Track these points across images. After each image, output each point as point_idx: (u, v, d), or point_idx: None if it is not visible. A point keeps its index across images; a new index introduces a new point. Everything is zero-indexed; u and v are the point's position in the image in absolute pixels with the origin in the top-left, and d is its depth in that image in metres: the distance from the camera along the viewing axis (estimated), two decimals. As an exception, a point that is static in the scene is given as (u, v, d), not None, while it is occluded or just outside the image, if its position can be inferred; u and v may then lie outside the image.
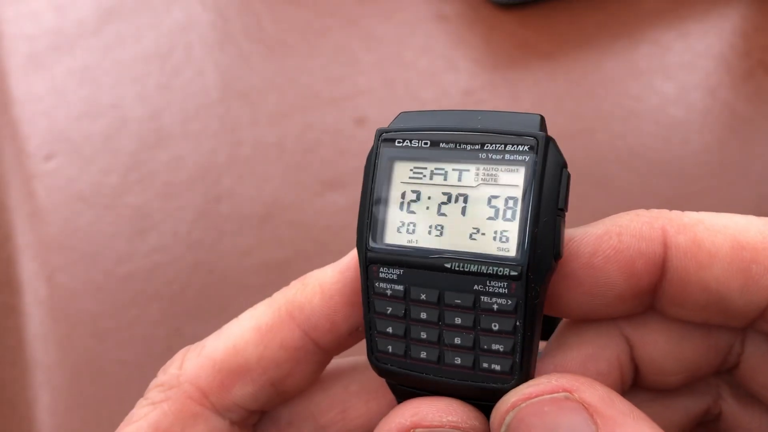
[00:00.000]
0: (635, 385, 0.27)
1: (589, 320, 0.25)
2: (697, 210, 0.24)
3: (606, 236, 0.23)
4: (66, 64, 0.60)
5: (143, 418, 0.25)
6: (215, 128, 0.56)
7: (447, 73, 0.59)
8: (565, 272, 0.23)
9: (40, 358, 0.45)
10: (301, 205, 0.51)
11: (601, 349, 0.25)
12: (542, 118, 0.23)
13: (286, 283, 0.27)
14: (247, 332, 0.26)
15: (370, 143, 0.25)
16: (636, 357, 0.26)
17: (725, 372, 0.27)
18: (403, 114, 0.25)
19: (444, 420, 0.23)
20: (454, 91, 0.58)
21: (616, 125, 0.55)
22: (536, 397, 0.22)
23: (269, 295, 0.27)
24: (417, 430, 0.23)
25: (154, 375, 0.27)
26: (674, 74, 0.58)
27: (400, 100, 0.57)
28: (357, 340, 0.26)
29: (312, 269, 0.27)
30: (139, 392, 0.26)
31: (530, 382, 0.22)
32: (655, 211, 0.24)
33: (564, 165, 0.23)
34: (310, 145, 0.55)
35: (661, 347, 0.25)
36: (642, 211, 0.24)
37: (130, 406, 0.26)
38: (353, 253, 0.25)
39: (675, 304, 0.24)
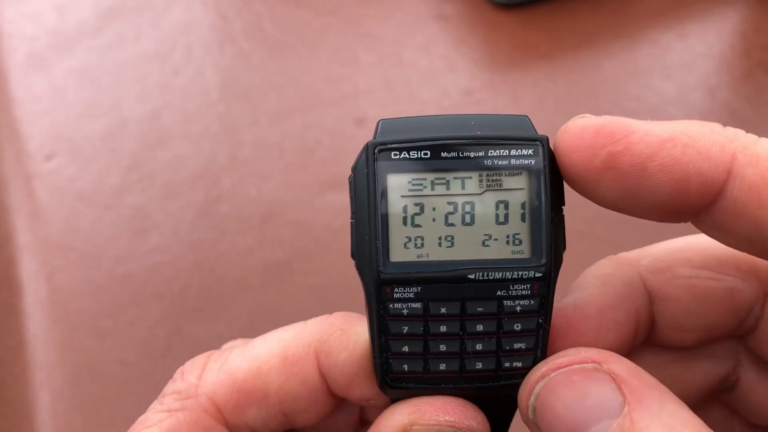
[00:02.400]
0: (649, 342, 0.26)
1: (618, 210, 0.23)
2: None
3: (670, 143, 0.21)
4: (66, 64, 0.60)
5: (157, 424, 0.25)
6: (215, 128, 0.56)
7: (447, 73, 0.59)
8: (613, 163, 0.22)
9: (40, 358, 0.45)
10: (301, 205, 0.51)
11: (622, 299, 0.25)
12: (529, 119, 0.24)
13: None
14: (273, 358, 0.25)
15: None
16: (655, 311, 0.25)
17: (742, 335, 0.26)
18: (384, 122, 0.24)
19: (441, 419, 0.23)
20: (454, 91, 0.58)
21: (616, 125, 0.55)
22: (566, 367, 0.22)
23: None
24: (414, 427, 0.23)
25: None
26: (674, 74, 0.59)
27: (400, 100, 0.57)
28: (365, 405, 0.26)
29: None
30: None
31: (559, 354, 0.22)
32: (730, 131, 0.22)
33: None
34: (310, 145, 0.55)
35: (683, 303, 0.25)
36: (717, 126, 0.22)
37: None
38: None
39: (718, 230, 0.23)
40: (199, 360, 0.26)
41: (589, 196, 0.23)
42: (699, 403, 0.28)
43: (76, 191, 0.52)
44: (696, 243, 0.26)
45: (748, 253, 0.23)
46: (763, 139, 0.22)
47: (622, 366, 0.21)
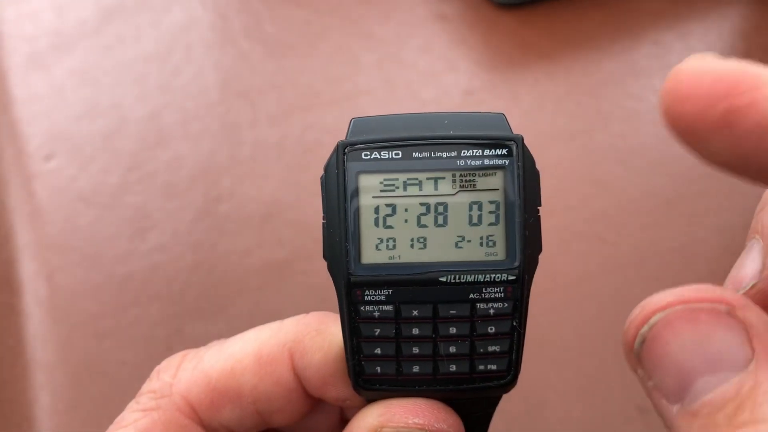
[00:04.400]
0: None
1: (729, 172, 0.19)
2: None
3: None
4: (66, 64, 0.60)
5: (132, 424, 0.25)
6: (215, 128, 0.56)
7: (447, 73, 0.59)
8: (733, 120, 0.18)
9: (40, 358, 0.45)
10: (301, 205, 0.51)
11: None
12: (505, 117, 0.23)
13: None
14: (247, 357, 0.25)
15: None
16: None
17: None
18: (357, 120, 0.24)
19: (410, 421, 0.23)
20: (454, 91, 0.58)
21: (616, 125, 0.55)
22: (695, 302, 0.19)
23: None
24: (384, 429, 0.23)
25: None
26: (674, 74, 0.58)
27: (400, 100, 0.57)
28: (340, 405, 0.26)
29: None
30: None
31: (689, 287, 0.19)
32: None
33: (534, 163, 0.23)
34: (310, 145, 0.55)
35: None
36: None
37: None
38: None
39: None
40: (175, 359, 0.26)
41: (698, 153, 0.20)
42: None
43: (76, 191, 0.52)
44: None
45: None
46: None
47: (760, 317, 0.18)
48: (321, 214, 0.24)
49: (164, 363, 0.26)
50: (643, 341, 0.19)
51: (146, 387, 0.26)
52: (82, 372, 0.45)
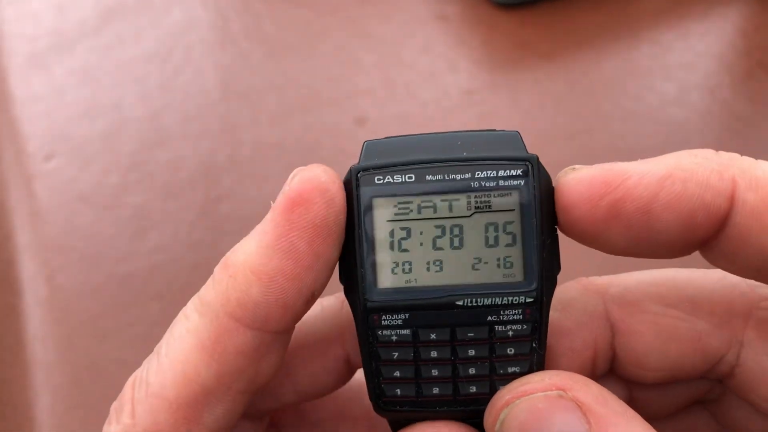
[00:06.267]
0: (612, 373, 0.26)
1: (629, 255, 0.23)
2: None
3: (669, 181, 0.21)
4: (66, 64, 0.60)
5: None
6: (215, 128, 0.56)
7: (447, 73, 0.59)
8: (616, 212, 0.21)
9: (40, 358, 0.45)
10: (301, 205, 0.51)
11: (580, 327, 0.24)
12: (520, 135, 0.23)
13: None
14: (192, 354, 0.22)
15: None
16: (616, 345, 0.25)
17: (717, 378, 0.26)
18: (369, 143, 0.23)
19: None
20: (455, 92, 0.58)
21: (616, 125, 0.55)
22: (530, 394, 0.21)
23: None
24: None
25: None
26: (674, 74, 0.58)
27: (400, 100, 0.57)
28: (312, 303, 0.23)
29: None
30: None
31: (523, 379, 0.22)
32: (725, 156, 0.21)
33: (550, 181, 0.23)
34: (310, 145, 0.55)
35: (646, 340, 0.24)
36: (709, 153, 0.22)
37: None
38: (269, 218, 0.22)
39: (725, 258, 0.22)
40: (126, 394, 0.24)
41: (598, 247, 0.23)
42: (677, 413, 0.27)
43: (76, 191, 0.52)
44: (670, 279, 0.25)
45: (758, 281, 0.23)
46: (761, 162, 0.22)
47: (588, 393, 0.21)
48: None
49: (116, 403, 0.24)
50: None
51: None
52: (82, 372, 0.45)
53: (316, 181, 0.23)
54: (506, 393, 0.22)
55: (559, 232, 0.23)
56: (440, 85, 0.58)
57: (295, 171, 0.23)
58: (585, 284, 0.25)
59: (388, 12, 0.63)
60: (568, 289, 0.25)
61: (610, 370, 0.26)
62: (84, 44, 0.61)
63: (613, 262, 0.25)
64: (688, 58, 0.59)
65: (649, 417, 0.21)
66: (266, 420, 0.28)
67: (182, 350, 0.23)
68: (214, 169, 0.53)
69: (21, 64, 0.60)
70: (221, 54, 0.61)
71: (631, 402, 0.25)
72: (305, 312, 0.23)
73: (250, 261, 0.22)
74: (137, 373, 0.24)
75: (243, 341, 0.22)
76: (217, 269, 0.24)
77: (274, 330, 0.23)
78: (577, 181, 0.22)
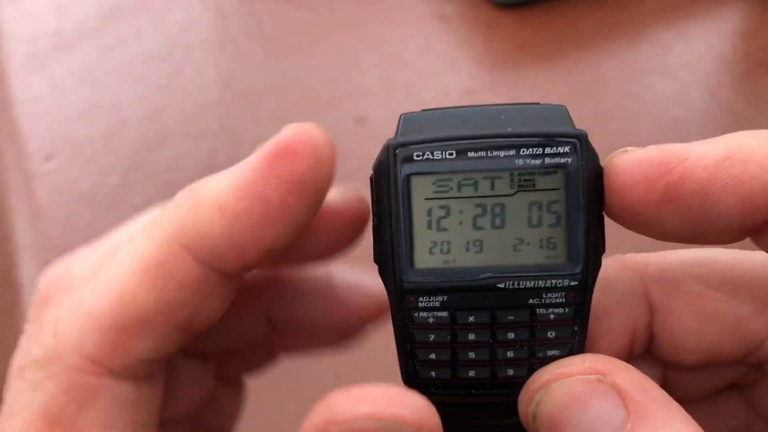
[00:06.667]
0: (648, 354, 0.25)
1: (685, 242, 0.22)
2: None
3: (728, 162, 0.20)
4: (66, 65, 0.60)
5: (25, 407, 0.21)
6: (215, 128, 0.56)
7: (447, 73, 0.59)
8: (673, 195, 0.20)
9: (40, 358, 0.45)
10: (301, 205, 0.51)
11: (619, 307, 0.23)
12: (566, 109, 0.22)
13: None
14: (132, 277, 0.21)
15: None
16: (654, 326, 0.24)
17: (756, 364, 0.24)
18: (406, 116, 0.22)
19: (356, 410, 0.19)
20: (455, 91, 0.58)
21: (616, 125, 0.55)
22: (568, 377, 0.20)
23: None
24: (331, 427, 0.19)
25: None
26: (674, 74, 0.58)
27: (400, 100, 0.57)
28: (265, 261, 0.22)
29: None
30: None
31: (562, 361, 0.21)
32: None
33: (598, 159, 0.21)
34: (310, 145, 0.55)
35: (684, 322, 0.23)
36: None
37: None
38: (252, 159, 0.21)
39: None
40: (46, 312, 0.22)
41: (652, 232, 0.21)
42: (712, 396, 0.26)
43: (76, 191, 0.52)
44: (712, 260, 0.24)
45: None
46: None
47: (628, 378, 0.20)
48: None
49: (31, 325, 0.22)
50: (534, 418, 0.21)
51: (25, 358, 0.22)
52: (82, 372, 0.45)
53: (308, 137, 0.22)
54: (544, 374, 0.21)
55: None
56: (440, 85, 0.58)
57: (292, 124, 0.22)
58: (623, 262, 0.24)
59: (388, 12, 0.63)
60: (605, 268, 0.24)
61: (646, 351, 0.25)
62: (84, 44, 0.61)
63: (642, 241, 0.24)
64: (688, 58, 0.59)
65: (681, 400, 0.20)
66: (212, 363, 0.27)
67: (122, 272, 0.21)
68: (214, 169, 0.53)
69: (21, 65, 0.60)
70: (221, 54, 0.61)
71: (665, 384, 0.24)
72: (256, 266, 0.22)
73: (220, 195, 0.21)
74: (57, 293, 0.22)
75: (189, 273, 0.21)
76: (180, 194, 0.22)
77: (221, 270, 0.21)
78: (632, 161, 0.21)
